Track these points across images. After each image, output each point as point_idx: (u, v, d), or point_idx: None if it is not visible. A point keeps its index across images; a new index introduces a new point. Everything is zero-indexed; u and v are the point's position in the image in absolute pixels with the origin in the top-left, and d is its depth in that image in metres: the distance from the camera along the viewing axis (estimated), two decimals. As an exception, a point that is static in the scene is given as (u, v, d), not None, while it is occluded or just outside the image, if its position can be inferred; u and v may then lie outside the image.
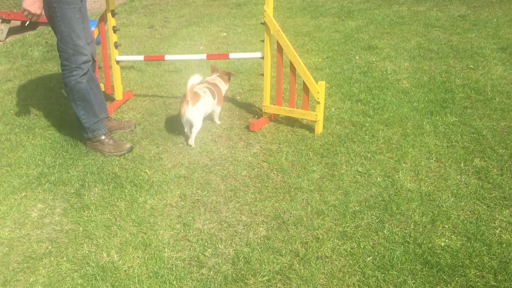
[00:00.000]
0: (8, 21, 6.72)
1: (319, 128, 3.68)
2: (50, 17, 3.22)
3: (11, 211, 2.86)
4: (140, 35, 6.82)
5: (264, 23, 3.67)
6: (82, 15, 3.40)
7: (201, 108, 3.55)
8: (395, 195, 2.89)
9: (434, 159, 3.26)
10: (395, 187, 2.98)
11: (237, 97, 4.46)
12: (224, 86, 3.99)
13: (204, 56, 4.08)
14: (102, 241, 2.59)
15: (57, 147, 3.60)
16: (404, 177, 3.07)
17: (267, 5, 3.59)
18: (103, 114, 3.80)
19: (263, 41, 3.74)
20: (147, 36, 6.79)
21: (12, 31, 7.00)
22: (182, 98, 3.54)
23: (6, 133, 3.85)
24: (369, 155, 3.36)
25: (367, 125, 3.78)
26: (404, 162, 3.24)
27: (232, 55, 4.03)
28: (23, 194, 3.02)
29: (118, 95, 4.37)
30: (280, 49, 3.69)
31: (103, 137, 3.51)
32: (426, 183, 2.99)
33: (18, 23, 7.18)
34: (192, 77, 3.47)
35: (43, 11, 3.10)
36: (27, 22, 7.02)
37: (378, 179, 3.07)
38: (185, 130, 3.65)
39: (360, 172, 3.16)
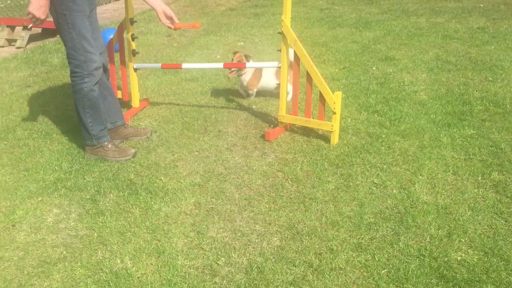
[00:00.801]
0: (28, 29, 6.85)
1: (335, 139, 3.66)
2: (59, 24, 3.24)
3: (27, 215, 2.89)
4: (158, 44, 6.90)
5: (281, 33, 3.67)
6: (92, 25, 3.44)
7: None
8: (411, 208, 2.86)
9: (451, 172, 3.22)
10: (411, 199, 2.94)
11: (253, 106, 4.47)
12: None
13: (221, 65, 4.10)
14: (116, 248, 2.60)
15: (73, 153, 3.64)
16: (421, 190, 3.03)
17: (285, 15, 3.60)
18: (120, 122, 3.84)
19: (280, 50, 3.74)
20: (165, 44, 6.86)
21: (32, 38, 7.13)
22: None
23: (24, 138, 3.91)
24: (385, 166, 3.33)
25: (384, 136, 3.75)
26: (420, 174, 3.20)
27: (249, 64, 4.04)
28: (39, 199, 3.06)
29: (135, 102, 4.41)
30: (297, 59, 3.69)
31: (106, 143, 3.54)
32: (442, 196, 2.95)
33: (39, 30, 7.31)
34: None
35: (48, 16, 3.14)
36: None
37: (394, 191, 3.04)
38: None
39: (375, 183, 3.14)
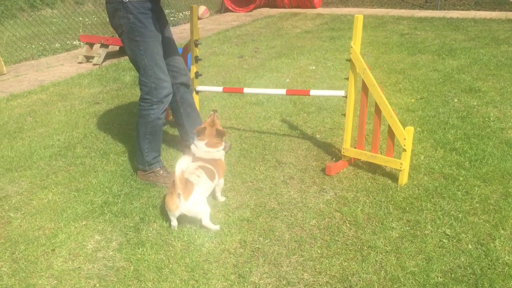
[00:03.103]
0: (106, 46, 7.05)
1: (403, 178, 3.29)
2: (132, 51, 3.18)
3: (69, 240, 2.79)
4: (229, 65, 6.81)
5: (350, 60, 3.39)
6: (170, 45, 3.41)
7: (198, 199, 2.79)
8: (489, 269, 2.44)
9: (541, 229, 2.74)
10: (489, 258, 2.52)
11: (317, 136, 4.18)
12: (221, 153, 3.19)
13: (283, 91, 3.87)
14: (151, 285, 2.41)
15: (126, 175, 3.55)
16: (502, 247, 2.59)
17: (355, 41, 3.31)
18: None
19: (347, 79, 3.46)
20: (235, 66, 6.76)
21: (109, 56, 7.33)
22: (170, 189, 2.79)
23: (82, 156, 3.88)
24: (460, 215, 2.91)
25: (461, 179, 3.32)
26: (502, 228, 2.75)
27: (313, 92, 3.77)
28: (83, 223, 2.96)
29: (195, 125, 4.29)
30: (365, 88, 3.38)
31: (158, 169, 3.43)
32: (529, 259, 2.50)
33: (117, 48, 7.50)
34: (181, 160, 2.71)
35: None
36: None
37: (469, 246, 2.62)
38: (173, 224, 2.87)
39: (447, 235, 2.73)
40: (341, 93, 3.57)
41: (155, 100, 3.24)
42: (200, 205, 2.79)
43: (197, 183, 2.82)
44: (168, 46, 3.43)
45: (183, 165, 2.70)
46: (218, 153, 3.15)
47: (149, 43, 3.14)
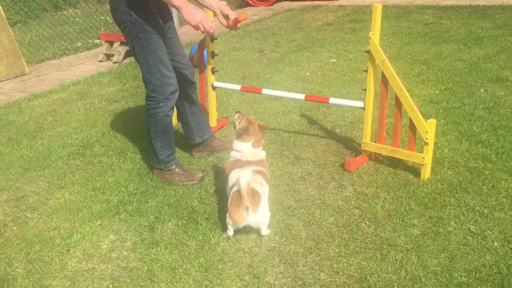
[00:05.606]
0: (126, 44, 7.05)
1: (426, 173, 3.17)
2: (135, 47, 3.11)
3: (84, 240, 2.78)
4: (248, 60, 6.74)
5: (368, 51, 3.28)
6: (172, 40, 3.32)
7: (265, 209, 2.65)
8: (516, 268, 2.32)
9: None
10: (516, 256, 2.40)
11: (337, 130, 4.08)
12: (264, 152, 3.10)
13: (302, 96, 3.75)
14: (164, 286, 2.37)
15: (143, 173, 3.53)
16: (530, 245, 2.47)
17: (373, 32, 3.20)
18: (207, 135, 3.73)
19: (366, 71, 3.35)
20: (255, 60, 6.68)
21: (129, 53, 7.32)
22: (235, 200, 2.60)
23: (100, 155, 3.88)
24: (485, 211, 2.78)
25: (487, 172, 3.18)
26: (531, 225, 2.62)
27: (332, 100, 3.60)
28: (99, 223, 2.94)
29: (213, 121, 4.23)
30: (385, 80, 3.27)
31: (173, 167, 3.38)
32: (560, 257, 2.37)
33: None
34: (245, 172, 2.56)
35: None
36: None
37: (495, 244, 2.50)
38: (230, 234, 2.71)
39: (472, 232, 2.61)
40: (360, 104, 3.43)
41: (162, 98, 3.17)
42: (267, 215, 2.65)
43: (263, 192, 2.65)
44: (172, 42, 3.35)
45: (248, 176, 2.52)
46: (262, 152, 3.05)
47: (152, 40, 3.06)
